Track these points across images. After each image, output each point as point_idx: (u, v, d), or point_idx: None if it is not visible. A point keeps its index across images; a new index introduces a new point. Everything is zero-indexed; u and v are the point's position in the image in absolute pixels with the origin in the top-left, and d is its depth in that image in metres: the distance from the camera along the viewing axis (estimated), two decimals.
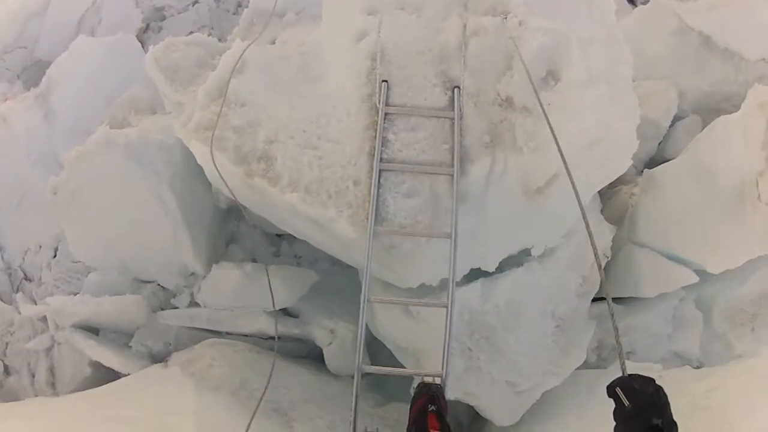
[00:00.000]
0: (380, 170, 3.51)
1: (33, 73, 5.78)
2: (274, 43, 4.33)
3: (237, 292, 4.56)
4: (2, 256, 5.33)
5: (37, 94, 5.14)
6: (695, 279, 4.42)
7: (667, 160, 5.11)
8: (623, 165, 4.02)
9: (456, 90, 3.65)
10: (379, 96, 3.61)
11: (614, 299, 4.56)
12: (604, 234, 4.61)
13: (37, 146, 5.18)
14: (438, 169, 3.53)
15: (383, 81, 3.65)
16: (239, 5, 5.27)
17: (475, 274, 4.13)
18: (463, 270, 3.94)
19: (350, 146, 3.61)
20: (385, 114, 3.60)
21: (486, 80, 3.70)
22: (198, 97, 3.86)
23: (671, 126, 5.47)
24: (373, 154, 3.53)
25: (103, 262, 4.80)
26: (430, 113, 3.62)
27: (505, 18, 3.79)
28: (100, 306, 4.64)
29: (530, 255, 4.22)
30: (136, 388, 4.44)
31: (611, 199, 5.37)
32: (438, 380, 3.22)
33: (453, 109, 3.61)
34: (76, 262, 5.05)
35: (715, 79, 5.28)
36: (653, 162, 5.31)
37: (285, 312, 4.81)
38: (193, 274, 4.76)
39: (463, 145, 3.57)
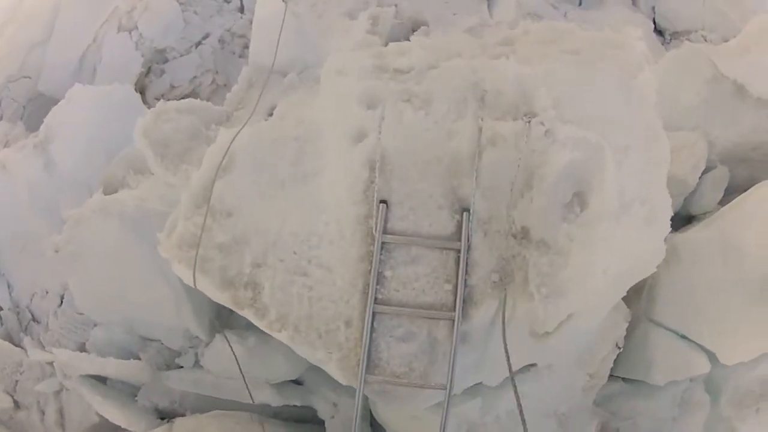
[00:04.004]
0: (374, 312, 3.18)
1: (36, 107, 5.51)
2: (273, 110, 3.88)
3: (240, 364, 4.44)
4: (11, 295, 5.30)
5: (36, 143, 4.91)
6: (708, 368, 4.12)
7: (692, 216, 4.78)
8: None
9: (465, 214, 3.20)
10: (376, 221, 3.19)
11: (623, 379, 4.37)
12: (618, 323, 4.15)
13: (39, 196, 5.01)
14: (438, 314, 3.17)
15: (382, 201, 3.21)
16: (245, 47, 4.74)
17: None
18: (464, 385, 3.67)
19: (342, 279, 3.26)
20: (383, 243, 3.20)
21: (500, 203, 3.23)
22: (182, 203, 3.51)
23: None
24: (367, 293, 3.17)
25: (108, 318, 4.71)
26: (433, 243, 3.19)
27: (529, 122, 3.23)
28: (105, 367, 4.60)
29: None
30: None
31: None
32: None
33: (460, 239, 3.18)
34: (82, 314, 4.95)
35: (746, 130, 4.76)
36: (677, 217, 4.83)
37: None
38: (197, 336, 4.67)
39: (467, 284, 3.19)
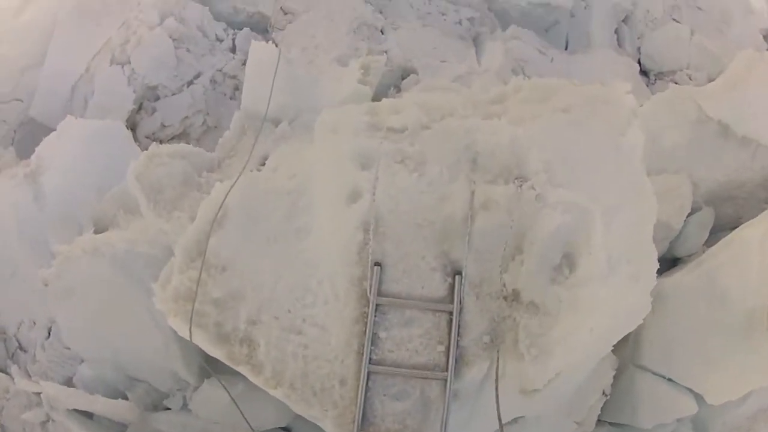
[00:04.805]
0: (369, 372, 3.25)
1: (27, 133, 5.42)
2: (265, 161, 3.91)
3: (228, 410, 4.41)
4: None
5: (27, 173, 4.81)
6: (695, 409, 4.22)
7: (678, 259, 4.85)
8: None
9: (457, 277, 3.27)
10: (371, 283, 3.25)
11: (610, 423, 4.47)
12: (606, 372, 4.27)
13: (27, 226, 4.87)
14: (431, 374, 3.25)
15: (376, 264, 3.28)
16: (236, 89, 4.72)
17: None
18: None
19: (337, 339, 3.32)
20: (377, 305, 3.27)
21: (492, 266, 3.31)
22: (176, 256, 3.53)
23: None
24: (362, 353, 3.25)
25: (96, 355, 4.63)
26: (426, 306, 3.27)
27: (521, 186, 3.31)
28: (93, 404, 4.52)
29: None
30: None
31: None
32: None
33: (452, 301, 3.26)
34: (69, 349, 4.87)
35: (731, 169, 4.87)
36: (662, 260, 4.92)
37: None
38: (185, 380, 4.67)
39: (460, 346, 3.27)
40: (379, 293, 3.28)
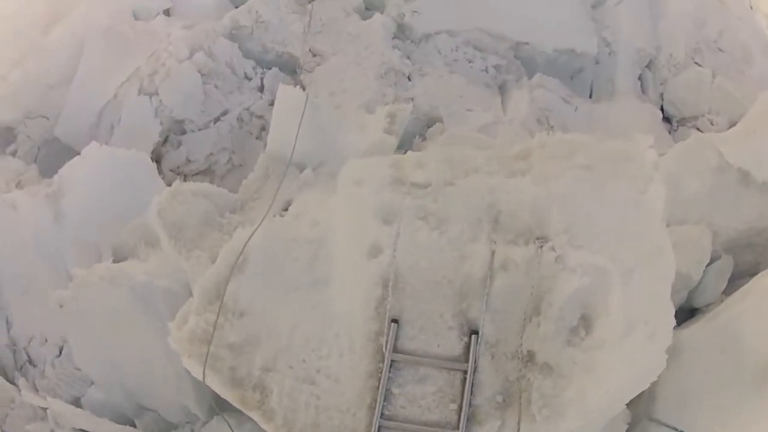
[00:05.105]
0: (380, 427, 3.26)
1: (51, 152, 5.45)
2: (288, 206, 3.94)
3: None
4: (8, 331, 5.19)
5: (49, 192, 4.83)
6: None
7: (696, 309, 4.80)
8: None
9: (474, 337, 3.29)
10: (387, 339, 3.27)
11: None
12: (619, 426, 4.13)
13: (46, 245, 4.91)
14: None
15: (393, 321, 3.30)
16: (263, 129, 4.72)
17: None
18: None
19: (350, 391, 3.33)
20: (392, 360, 3.28)
21: (509, 327, 3.33)
22: (194, 297, 3.56)
23: None
24: (374, 407, 3.26)
25: (106, 380, 4.67)
26: (441, 364, 3.29)
27: (541, 247, 3.33)
28: (100, 427, 4.53)
29: None
30: None
31: None
32: None
33: (467, 360, 3.27)
34: (80, 369, 4.87)
35: (751, 216, 4.85)
36: (681, 311, 4.91)
37: None
38: (195, 414, 4.68)
39: (472, 404, 3.27)
40: (395, 350, 3.31)
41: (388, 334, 3.29)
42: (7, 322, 5.23)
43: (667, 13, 6.20)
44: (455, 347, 3.31)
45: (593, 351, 3.29)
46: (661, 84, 6.21)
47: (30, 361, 5.17)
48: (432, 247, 3.37)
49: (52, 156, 5.38)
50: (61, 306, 4.60)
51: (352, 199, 3.54)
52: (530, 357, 3.30)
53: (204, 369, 3.44)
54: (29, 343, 5.16)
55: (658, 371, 3.52)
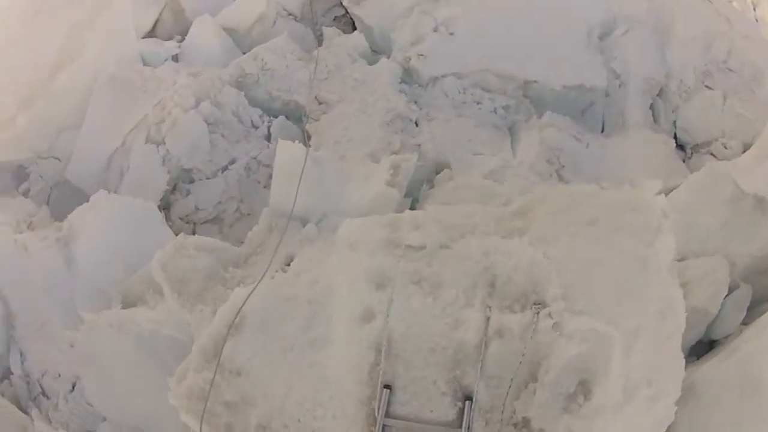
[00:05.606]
0: None
1: (63, 193, 5.55)
2: (290, 261, 3.96)
3: None
4: (22, 363, 5.27)
5: (59, 237, 4.93)
6: None
7: (714, 341, 4.61)
8: None
9: (467, 403, 3.28)
10: (379, 404, 3.28)
11: None
12: None
13: (56, 288, 4.98)
14: None
15: (385, 387, 3.31)
16: (270, 178, 4.72)
17: None
18: None
19: None
20: (384, 425, 3.29)
21: (503, 393, 3.30)
22: (192, 355, 3.61)
23: None
24: None
25: (117, 419, 4.80)
26: (434, 430, 3.28)
27: (538, 313, 3.29)
28: None
29: None
30: None
31: None
32: None
33: (461, 426, 3.26)
34: (92, 405, 4.94)
35: (766, 242, 4.65)
36: (699, 344, 4.83)
37: None
38: None
39: None
40: (388, 414, 3.32)
41: (380, 400, 3.29)
42: (21, 355, 5.34)
43: (674, 38, 6.05)
44: (449, 413, 3.30)
45: (591, 418, 3.24)
46: (673, 111, 6.11)
47: (43, 393, 5.27)
48: (425, 314, 3.37)
49: (64, 197, 5.50)
50: (72, 346, 4.75)
51: (347, 263, 3.56)
52: (525, 423, 3.27)
53: (200, 426, 3.51)
54: (42, 376, 5.26)
55: (667, 424, 3.41)
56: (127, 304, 4.65)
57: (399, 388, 3.32)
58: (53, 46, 5.54)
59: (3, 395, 5.13)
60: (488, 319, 3.33)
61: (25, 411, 5.21)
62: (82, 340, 4.64)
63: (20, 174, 5.68)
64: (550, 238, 3.53)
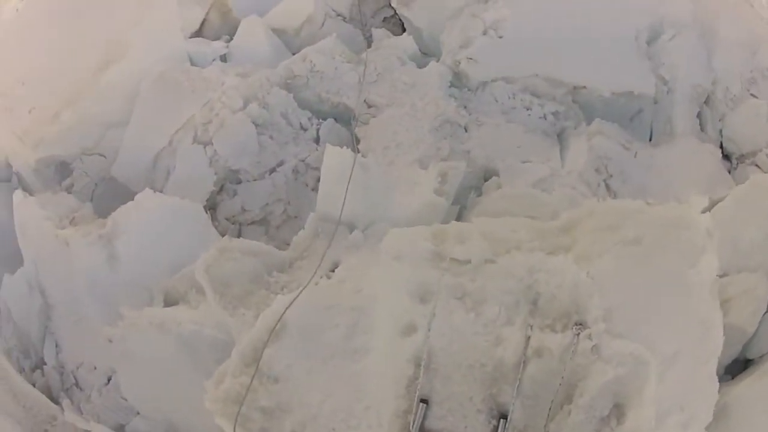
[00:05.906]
0: None
1: (107, 190, 5.56)
2: (335, 267, 3.97)
3: None
4: (57, 355, 5.31)
5: (102, 234, 4.90)
6: None
7: (750, 360, 4.52)
8: None
9: (502, 421, 3.27)
10: (414, 418, 3.28)
11: None
12: None
13: (97, 284, 4.99)
14: None
15: (422, 401, 3.31)
16: (318, 180, 4.67)
17: None
18: None
19: None
20: None
21: (538, 413, 3.29)
22: (231, 359, 3.65)
23: None
24: None
25: (152, 414, 4.82)
26: None
27: (578, 334, 3.25)
28: None
29: None
30: None
31: None
32: None
33: None
34: (126, 400, 4.96)
35: None
36: (735, 363, 4.72)
37: None
38: None
39: None
40: (422, 429, 3.32)
41: (415, 413, 3.30)
42: (57, 345, 5.37)
43: (721, 43, 5.86)
44: (483, 430, 3.29)
45: None
46: (719, 120, 5.95)
47: (77, 385, 5.29)
48: (467, 330, 3.38)
49: (109, 194, 5.51)
50: (110, 341, 4.81)
51: (390, 274, 3.57)
52: None
53: (234, 429, 3.57)
54: (77, 368, 5.27)
55: None
56: (168, 302, 4.70)
57: (435, 403, 3.32)
58: (99, 46, 5.53)
59: (35, 385, 5.20)
60: (528, 338, 3.31)
61: (56, 401, 5.24)
62: (121, 336, 4.67)
63: (63, 170, 5.70)
64: (594, 256, 3.50)
